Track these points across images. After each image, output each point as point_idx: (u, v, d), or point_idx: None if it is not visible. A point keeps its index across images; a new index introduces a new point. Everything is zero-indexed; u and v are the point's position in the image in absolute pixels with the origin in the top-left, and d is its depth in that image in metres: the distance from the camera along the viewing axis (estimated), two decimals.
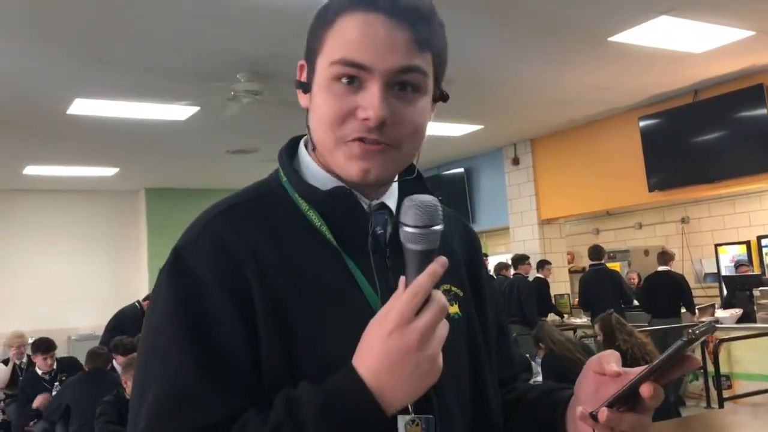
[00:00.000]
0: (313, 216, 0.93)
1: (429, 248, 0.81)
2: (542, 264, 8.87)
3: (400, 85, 0.89)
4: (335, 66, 0.88)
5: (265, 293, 0.85)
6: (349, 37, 0.87)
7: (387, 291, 0.90)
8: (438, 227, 0.82)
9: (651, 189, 7.79)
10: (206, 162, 9.20)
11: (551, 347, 4.49)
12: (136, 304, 7.89)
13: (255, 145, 8.17)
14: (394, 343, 0.78)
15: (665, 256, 7.97)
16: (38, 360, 6.35)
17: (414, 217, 0.81)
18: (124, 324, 7.58)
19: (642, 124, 7.81)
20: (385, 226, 0.96)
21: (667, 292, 7.66)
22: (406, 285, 0.80)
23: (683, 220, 10.27)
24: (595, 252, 8.41)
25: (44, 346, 6.40)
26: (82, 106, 6.35)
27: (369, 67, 0.87)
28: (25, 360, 7.59)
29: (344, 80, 0.88)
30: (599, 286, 8.06)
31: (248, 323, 0.84)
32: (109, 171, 9.46)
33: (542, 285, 8.62)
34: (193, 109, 6.68)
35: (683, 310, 7.71)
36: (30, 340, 7.70)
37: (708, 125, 7.27)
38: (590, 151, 8.62)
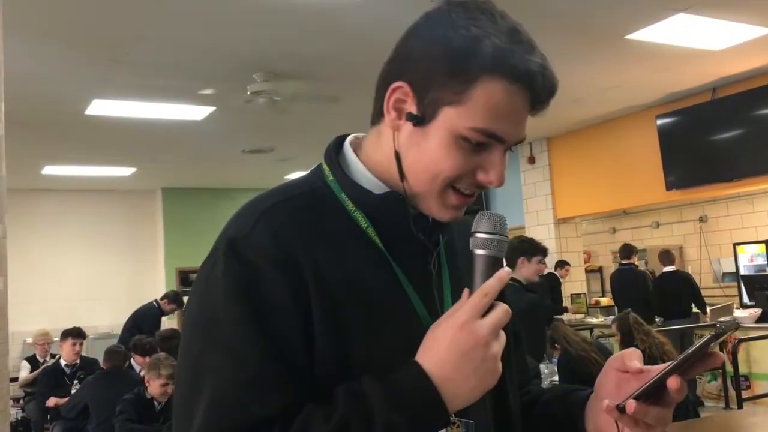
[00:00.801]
0: (360, 217, 0.93)
1: (496, 255, 0.88)
2: (561, 264, 8.81)
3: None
4: (475, 133, 0.88)
5: (319, 289, 0.86)
6: (496, 108, 0.87)
7: (427, 297, 0.93)
8: (506, 237, 0.89)
9: (668, 188, 7.73)
10: (222, 162, 9.25)
11: (566, 347, 4.46)
12: (154, 303, 7.95)
13: (271, 144, 8.20)
14: (464, 336, 0.81)
15: (668, 256, 7.91)
16: (66, 346, 6.38)
17: (487, 224, 0.89)
18: (142, 323, 7.65)
19: (659, 122, 7.75)
20: (426, 233, 0.97)
21: (677, 293, 7.62)
22: (472, 289, 0.85)
23: (701, 219, 10.18)
24: (625, 251, 8.28)
25: (75, 331, 6.46)
26: (100, 107, 6.41)
27: (504, 140, 0.90)
28: (49, 358, 7.68)
29: (474, 142, 0.89)
30: (628, 286, 7.96)
31: (305, 317, 0.85)
32: (127, 171, 9.54)
33: (554, 283, 8.55)
34: (209, 109, 6.72)
35: (696, 309, 7.67)
36: (55, 339, 7.81)
37: (726, 123, 7.21)
38: (607, 150, 8.57)
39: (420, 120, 0.90)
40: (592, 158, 8.78)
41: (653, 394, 0.84)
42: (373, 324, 0.88)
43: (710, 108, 7.31)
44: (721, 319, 7.20)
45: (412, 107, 0.91)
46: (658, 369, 0.85)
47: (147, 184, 10.74)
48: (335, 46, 5.23)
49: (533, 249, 4.56)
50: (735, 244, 9.59)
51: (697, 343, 0.80)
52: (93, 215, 10.76)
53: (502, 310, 0.83)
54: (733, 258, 9.61)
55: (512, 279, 3.22)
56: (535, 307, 4.68)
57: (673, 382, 0.82)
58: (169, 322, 8.87)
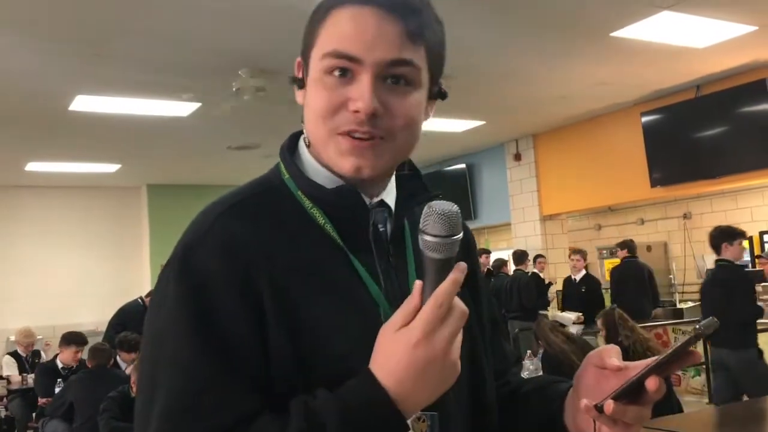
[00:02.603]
0: (317, 213, 0.92)
1: (448, 257, 0.80)
2: (535, 258, 8.82)
3: (393, 78, 0.89)
4: (326, 58, 0.89)
5: (273, 290, 0.85)
6: (341, 29, 0.88)
7: (391, 288, 0.92)
8: (458, 236, 0.81)
9: (653, 184, 7.78)
10: (208, 158, 9.21)
11: (545, 346, 4.49)
12: (139, 300, 7.89)
13: (256, 141, 8.17)
14: (421, 353, 0.78)
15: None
16: (69, 352, 6.28)
17: (435, 226, 0.80)
18: (127, 320, 7.58)
19: (644, 119, 7.80)
20: (386, 223, 0.96)
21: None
22: (424, 292, 0.80)
23: (685, 216, 10.25)
24: (625, 246, 8.21)
25: (79, 339, 6.35)
26: (83, 103, 6.36)
27: (359, 58, 0.87)
28: (31, 355, 7.63)
29: (336, 73, 0.88)
30: (626, 281, 7.92)
31: (258, 320, 0.84)
32: (111, 167, 9.47)
33: (537, 279, 8.58)
34: (194, 105, 6.68)
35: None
36: (39, 337, 7.77)
37: (710, 121, 7.26)
38: (592, 147, 8.61)
39: (301, 80, 0.95)
40: (578, 155, 8.82)
41: (632, 393, 0.84)
42: (334, 320, 0.86)
43: (694, 105, 7.36)
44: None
45: (298, 75, 0.96)
46: (637, 366, 0.85)
47: (132, 181, 10.67)
48: None
49: (733, 234, 5.49)
50: None
51: (677, 342, 0.80)
52: (78, 212, 10.68)
53: (458, 315, 0.79)
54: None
55: (722, 259, 4.33)
56: (748, 279, 5.66)
57: (651, 383, 0.81)
58: None
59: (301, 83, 0.95)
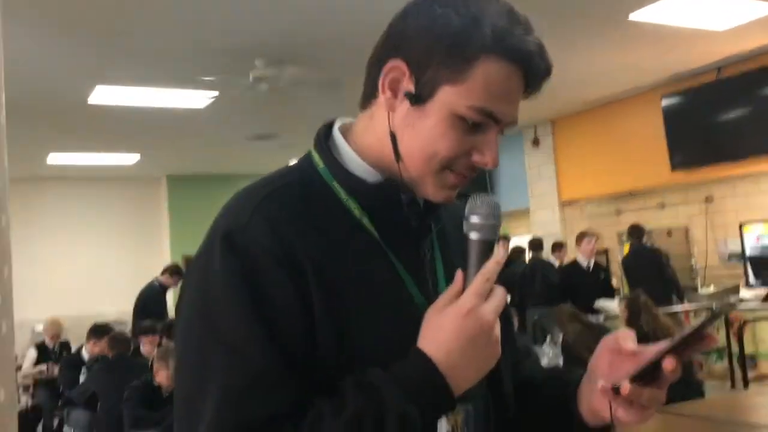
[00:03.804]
0: (353, 206, 0.92)
1: (491, 239, 0.89)
2: (557, 246, 8.73)
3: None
4: (473, 111, 0.88)
5: (317, 280, 0.85)
6: (494, 88, 0.88)
7: (423, 283, 0.94)
8: (499, 222, 0.90)
9: (674, 168, 7.71)
10: (226, 148, 9.25)
11: (564, 333, 4.50)
12: (155, 282, 7.88)
13: (274, 131, 8.18)
14: (470, 322, 0.82)
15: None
16: (102, 344, 6.36)
17: (481, 209, 0.89)
18: (148, 305, 7.62)
19: (664, 102, 7.71)
20: (418, 220, 0.97)
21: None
22: (466, 273, 0.86)
23: (707, 200, 10.13)
24: (636, 231, 8.00)
25: (95, 333, 6.41)
26: (102, 94, 6.41)
27: (500, 120, 0.90)
28: (59, 346, 7.74)
29: (470, 122, 0.89)
30: (638, 268, 7.72)
31: (306, 309, 0.84)
32: (131, 158, 9.54)
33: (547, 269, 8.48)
34: (212, 95, 6.70)
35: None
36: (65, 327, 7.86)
37: (731, 103, 7.17)
38: (612, 131, 8.54)
39: (418, 98, 0.89)
40: (597, 140, 8.74)
41: (648, 375, 0.84)
42: (372, 311, 0.87)
43: (715, 88, 7.27)
44: (729, 299, 7.20)
45: (409, 86, 0.90)
46: (652, 350, 0.85)
47: (151, 172, 10.75)
48: (336, 31, 5.20)
49: None
50: (741, 224, 9.57)
51: (694, 324, 0.81)
52: (99, 203, 10.79)
53: (501, 293, 0.85)
54: (739, 238, 9.58)
55: None
56: None
57: (668, 364, 0.82)
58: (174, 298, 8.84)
59: (417, 101, 0.90)
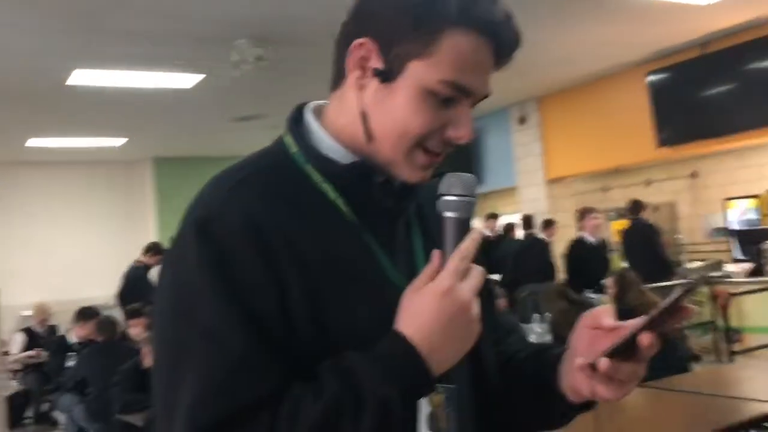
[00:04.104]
0: (328, 188, 0.91)
1: (466, 217, 0.88)
2: (547, 224, 8.75)
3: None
4: (444, 86, 0.87)
5: (293, 264, 0.84)
6: (463, 60, 0.87)
7: (400, 264, 0.93)
8: (474, 198, 0.89)
9: (660, 144, 7.73)
10: (213, 130, 9.18)
11: (547, 311, 4.55)
12: (137, 263, 7.80)
13: (261, 111, 8.13)
14: (448, 303, 0.82)
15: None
16: (89, 326, 6.34)
17: (455, 186, 0.89)
18: (135, 287, 7.56)
19: (649, 79, 7.72)
20: (393, 200, 0.96)
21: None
22: (444, 252, 0.85)
23: (692, 175, 10.20)
24: (634, 206, 7.85)
25: (82, 315, 6.38)
26: (81, 77, 6.32)
27: (473, 92, 0.90)
28: (46, 330, 7.72)
29: (442, 97, 0.88)
30: (635, 244, 7.67)
31: (282, 294, 0.83)
32: (116, 141, 9.45)
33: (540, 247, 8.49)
34: (198, 77, 6.64)
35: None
36: (53, 311, 7.83)
37: (717, 78, 7.18)
38: (598, 109, 8.55)
39: (387, 75, 0.88)
40: (583, 117, 8.75)
41: (625, 350, 0.84)
42: (349, 293, 0.87)
43: (700, 63, 7.28)
44: (713, 273, 7.26)
45: (377, 63, 0.89)
46: (631, 325, 0.85)
47: (137, 155, 10.66)
48: (318, 9, 5.14)
49: None
50: (726, 200, 9.64)
51: (670, 297, 0.80)
52: (82, 187, 10.69)
53: (479, 272, 0.85)
54: (724, 214, 9.66)
55: None
56: None
57: (644, 339, 0.82)
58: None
59: (387, 77, 0.89)
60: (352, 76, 0.91)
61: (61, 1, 4.71)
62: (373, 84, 0.90)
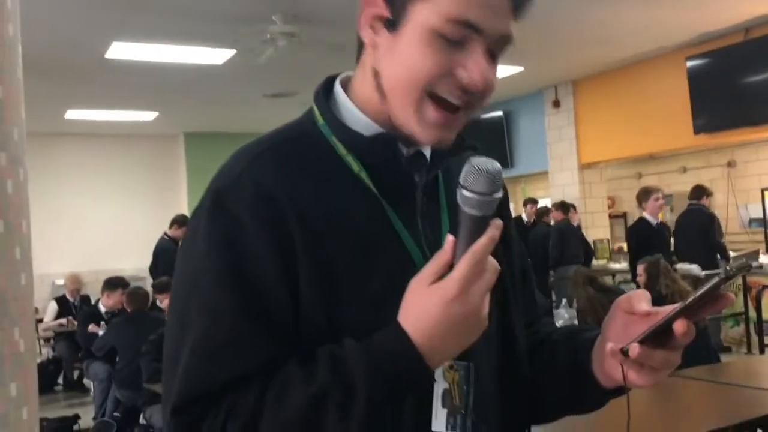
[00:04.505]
0: (352, 161, 0.90)
1: (486, 214, 0.80)
2: (565, 208, 8.61)
3: (490, 51, 0.86)
4: (450, 24, 0.82)
5: (305, 238, 0.83)
6: None
7: (423, 239, 0.90)
8: (499, 195, 0.81)
9: (697, 131, 7.58)
10: (244, 106, 9.21)
11: (574, 297, 4.51)
12: (165, 236, 7.94)
13: (292, 88, 8.13)
14: (456, 309, 0.78)
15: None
16: (116, 296, 6.48)
17: (477, 183, 0.79)
18: (164, 259, 7.69)
19: (689, 64, 7.56)
20: (421, 173, 0.94)
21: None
22: (457, 247, 0.80)
23: (729, 164, 10.00)
24: (694, 191, 7.58)
25: (110, 285, 6.52)
26: (119, 50, 6.37)
27: (482, 30, 0.83)
28: (78, 299, 7.86)
29: (449, 36, 0.83)
30: (691, 228, 7.31)
31: (289, 268, 0.83)
32: (149, 115, 9.55)
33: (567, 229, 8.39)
34: (230, 53, 6.65)
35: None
36: (85, 281, 7.97)
37: (758, 65, 7.00)
38: (634, 93, 8.40)
39: (393, 23, 0.85)
40: (619, 101, 8.61)
41: (659, 337, 0.82)
42: (365, 269, 0.85)
43: (742, 49, 7.10)
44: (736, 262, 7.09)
45: (384, 13, 0.87)
46: (666, 311, 0.82)
47: (169, 129, 10.77)
48: None
49: None
50: (763, 190, 9.44)
51: (706, 285, 0.77)
52: (117, 160, 10.84)
53: (492, 270, 0.80)
54: (761, 203, 9.47)
55: None
56: None
57: (679, 326, 0.79)
58: None
59: (393, 25, 0.86)
60: (366, 36, 0.89)
61: None
62: (383, 38, 0.87)
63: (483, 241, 0.78)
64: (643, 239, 6.58)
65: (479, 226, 0.80)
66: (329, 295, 0.83)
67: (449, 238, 0.81)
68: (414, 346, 0.78)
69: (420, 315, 0.79)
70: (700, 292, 0.77)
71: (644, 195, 6.81)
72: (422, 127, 0.86)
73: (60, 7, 5.29)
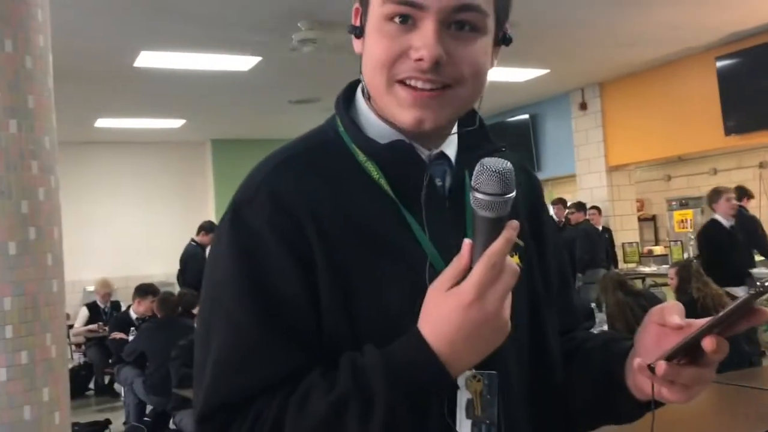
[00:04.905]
0: (371, 168, 0.90)
1: (500, 215, 0.79)
2: (581, 207, 8.52)
3: (457, 24, 0.85)
4: (387, 4, 0.85)
5: (324, 246, 0.84)
6: None
7: (444, 245, 0.89)
8: (511, 195, 0.79)
9: (727, 133, 7.47)
10: (270, 112, 9.27)
11: (603, 301, 4.46)
12: (192, 242, 8.04)
13: (317, 94, 8.17)
14: (474, 314, 0.77)
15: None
16: (146, 303, 6.57)
17: (487, 183, 0.78)
18: (190, 263, 7.79)
19: (719, 64, 7.45)
20: (444, 177, 0.93)
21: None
22: (473, 251, 0.79)
23: (761, 165, 9.84)
24: (737, 192, 7.12)
25: (140, 291, 6.60)
26: (148, 59, 6.46)
27: (423, 4, 0.83)
28: (109, 305, 7.96)
29: (397, 20, 0.85)
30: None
31: (308, 277, 0.84)
32: (176, 123, 9.65)
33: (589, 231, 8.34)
34: (255, 60, 6.70)
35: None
36: (115, 287, 8.06)
37: None
38: (663, 94, 8.29)
39: (359, 29, 0.91)
40: (647, 103, 8.51)
41: (690, 352, 0.79)
42: (385, 276, 0.85)
43: None
44: None
45: (356, 22, 0.92)
46: (698, 324, 0.79)
47: (196, 136, 10.87)
48: None
49: None
50: None
51: (738, 299, 0.75)
52: (145, 167, 10.97)
53: (510, 273, 0.78)
54: None
55: None
56: None
57: (708, 343, 0.75)
58: None
59: (359, 31, 0.91)
60: (357, 51, 0.93)
61: None
62: (359, 44, 0.92)
63: (498, 244, 0.77)
64: (716, 243, 6.14)
65: (494, 228, 0.78)
66: (349, 302, 0.84)
67: (466, 242, 0.80)
68: (433, 352, 0.77)
69: (439, 321, 0.78)
70: (730, 307, 0.75)
71: (715, 196, 6.48)
72: (400, 110, 0.87)
73: (90, 17, 5.37)
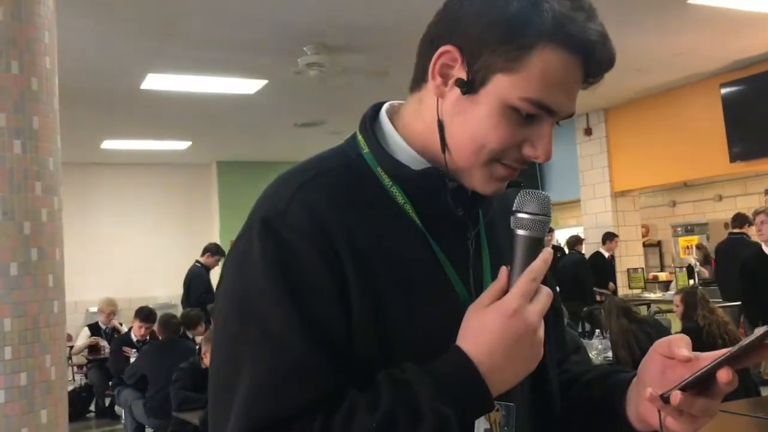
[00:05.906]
0: (397, 193, 0.90)
1: (539, 236, 0.85)
2: (609, 237, 8.59)
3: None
4: (528, 103, 0.84)
5: (356, 268, 0.83)
6: (552, 79, 0.83)
7: (465, 274, 0.90)
8: (549, 217, 0.86)
9: (732, 159, 7.46)
10: (275, 135, 9.31)
11: (607, 327, 4.43)
12: (197, 264, 8.02)
13: (322, 118, 8.20)
14: (515, 323, 0.80)
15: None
16: (135, 325, 6.54)
17: (530, 204, 0.86)
18: (195, 283, 7.76)
19: (724, 91, 7.46)
20: (465, 208, 0.94)
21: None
22: (511, 269, 0.84)
23: (767, 192, 9.82)
24: (737, 219, 7.15)
25: (145, 313, 6.57)
26: (154, 81, 6.50)
27: (555, 112, 0.86)
28: (110, 327, 7.92)
29: (524, 113, 0.85)
30: (732, 259, 6.61)
31: (343, 297, 0.82)
32: (182, 145, 9.69)
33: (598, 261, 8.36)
34: (261, 83, 6.74)
35: None
36: (120, 308, 8.03)
37: None
38: (668, 120, 8.30)
39: (470, 87, 0.85)
40: (652, 129, 8.52)
41: (701, 384, 0.80)
42: (411, 301, 0.85)
43: None
44: None
45: (460, 73, 0.86)
46: (708, 358, 0.81)
47: (202, 158, 10.91)
48: (385, 19, 5.16)
49: None
50: None
51: (753, 335, 0.77)
52: (151, 188, 11.00)
53: (546, 294, 0.82)
54: None
55: None
56: None
57: (723, 375, 0.78)
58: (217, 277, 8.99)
59: (470, 89, 0.86)
60: (433, 83, 0.88)
61: (136, 6, 4.84)
62: (454, 93, 0.87)
63: (538, 262, 0.82)
64: (757, 275, 5.44)
65: (533, 247, 0.85)
66: (378, 326, 0.83)
67: (503, 269, 0.84)
68: (474, 364, 0.79)
69: (479, 333, 0.80)
70: (745, 342, 0.77)
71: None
72: (484, 182, 0.90)
73: (97, 39, 5.41)
